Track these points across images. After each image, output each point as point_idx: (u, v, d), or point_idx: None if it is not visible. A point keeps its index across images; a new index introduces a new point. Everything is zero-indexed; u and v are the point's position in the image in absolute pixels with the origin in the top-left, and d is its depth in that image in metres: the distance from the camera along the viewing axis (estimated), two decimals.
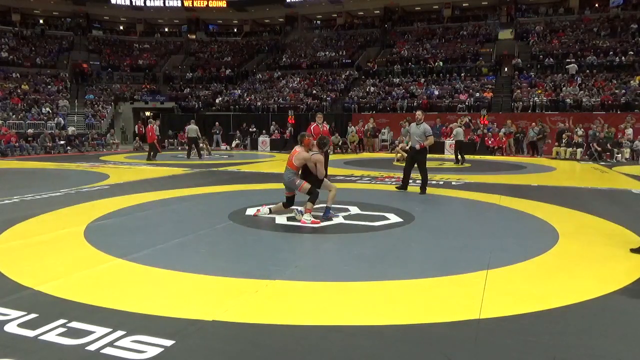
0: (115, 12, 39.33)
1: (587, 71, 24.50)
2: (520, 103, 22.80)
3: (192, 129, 17.83)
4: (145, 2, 37.05)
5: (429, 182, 8.87)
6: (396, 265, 4.41)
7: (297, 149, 6.51)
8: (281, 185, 9.85)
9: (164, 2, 37.28)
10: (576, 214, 6.95)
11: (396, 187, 9.43)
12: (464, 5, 35.32)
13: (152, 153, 16.67)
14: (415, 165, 8.99)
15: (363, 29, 36.76)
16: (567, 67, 24.81)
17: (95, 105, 29.61)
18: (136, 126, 27.79)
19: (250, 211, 6.89)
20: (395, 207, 7.21)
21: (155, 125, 17.14)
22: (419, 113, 9.21)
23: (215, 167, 14.23)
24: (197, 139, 18.01)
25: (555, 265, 4.41)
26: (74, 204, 7.55)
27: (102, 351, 2.73)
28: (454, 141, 16.51)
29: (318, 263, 4.52)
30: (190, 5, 37.25)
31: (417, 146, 8.78)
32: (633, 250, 4.84)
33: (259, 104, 28.11)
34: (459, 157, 15.56)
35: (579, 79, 23.77)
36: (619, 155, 17.26)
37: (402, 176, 9.32)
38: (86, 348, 2.77)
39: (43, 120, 25.51)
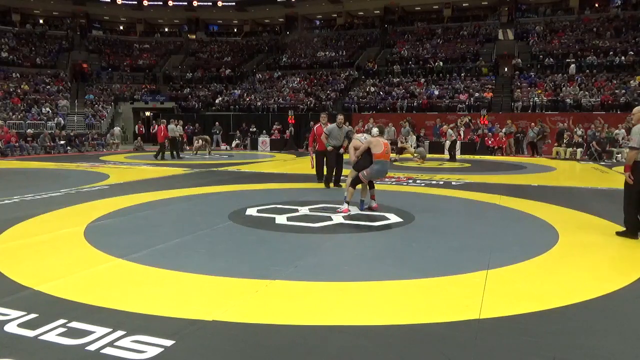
0: (115, 12, 39.33)
1: (587, 71, 24.50)
2: (520, 103, 22.80)
3: (170, 128, 17.99)
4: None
5: (429, 182, 8.86)
6: (396, 265, 4.40)
7: (383, 140, 6.96)
8: (281, 186, 9.96)
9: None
10: (576, 214, 6.95)
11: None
12: (464, 5, 35.33)
13: (161, 153, 16.85)
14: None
15: (363, 29, 36.79)
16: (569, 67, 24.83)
17: (95, 105, 29.61)
18: (136, 126, 27.80)
19: (251, 211, 6.88)
20: (395, 207, 7.21)
21: (179, 126, 17.94)
22: (340, 117, 9.62)
23: (215, 167, 14.22)
24: (175, 138, 18.17)
25: (555, 265, 4.41)
26: (74, 204, 7.55)
27: (102, 351, 2.73)
28: (449, 141, 17.72)
29: (318, 263, 4.52)
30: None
31: (342, 150, 9.21)
32: (619, 234, 5.38)
33: (259, 104, 28.12)
34: (450, 155, 17.48)
35: (579, 79, 23.77)
36: (619, 155, 17.26)
37: (400, 176, 9.43)
38: (86, 348, 2.77)
39: (43, 120, 25.52)
